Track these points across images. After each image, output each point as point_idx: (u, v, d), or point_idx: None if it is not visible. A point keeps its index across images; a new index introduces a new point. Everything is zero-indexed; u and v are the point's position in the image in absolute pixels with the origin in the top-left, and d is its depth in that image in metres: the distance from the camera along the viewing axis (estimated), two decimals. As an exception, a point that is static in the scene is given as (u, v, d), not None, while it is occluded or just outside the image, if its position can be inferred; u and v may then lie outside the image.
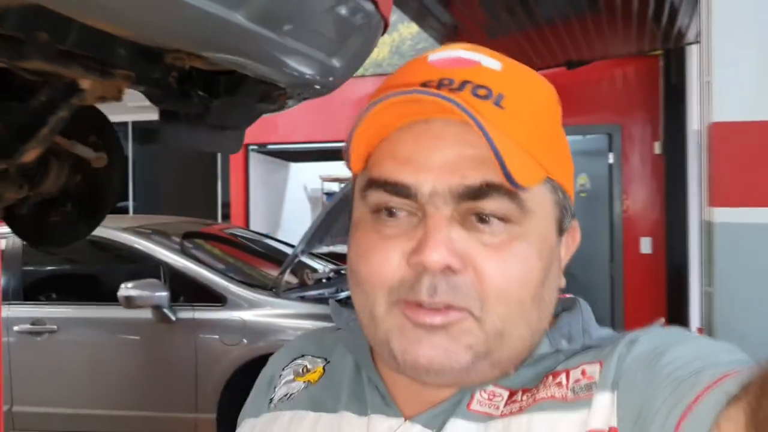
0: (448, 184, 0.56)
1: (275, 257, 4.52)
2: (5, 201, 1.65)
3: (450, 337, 0.57)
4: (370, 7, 1.44)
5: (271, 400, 0.72)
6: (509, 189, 0.56)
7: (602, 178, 6.49)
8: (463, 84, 0.58)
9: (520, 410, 0.58)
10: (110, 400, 3.74)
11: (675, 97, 5.20)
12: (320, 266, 4.51)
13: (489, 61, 0.61)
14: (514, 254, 0.57)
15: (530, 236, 0.59)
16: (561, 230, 0.63)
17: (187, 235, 4.14)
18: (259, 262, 4.50)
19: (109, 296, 3.73)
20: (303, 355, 0.75)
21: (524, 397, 0.60)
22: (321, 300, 3.75)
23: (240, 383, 3.54)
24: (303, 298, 3.73)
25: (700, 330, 2.62)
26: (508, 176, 0.54)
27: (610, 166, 6.04)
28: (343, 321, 0.73)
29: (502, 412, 0.59)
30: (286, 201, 8.03)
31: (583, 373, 0.59)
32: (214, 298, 3.65)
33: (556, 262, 0.63)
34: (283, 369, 0.74)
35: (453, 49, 0.62)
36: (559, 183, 0.62)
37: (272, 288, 3.72)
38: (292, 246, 4.23)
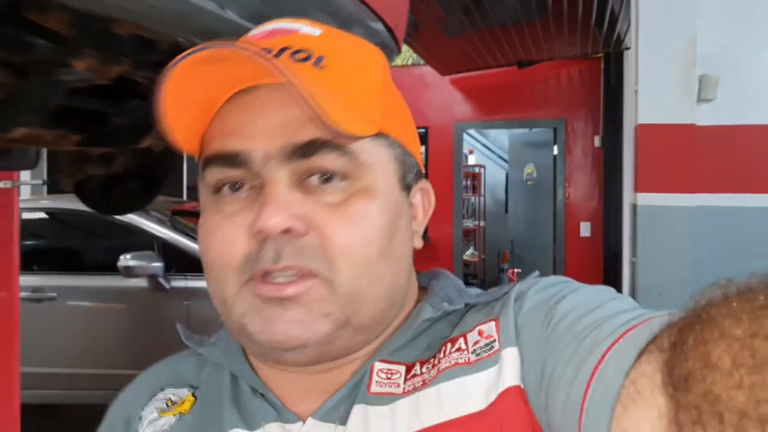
0: (279, 145, 0.55)
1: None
2: (77, 177, 2.05)
3: (304, 309, 0.55)
4: (383, 31, 1.56)
5: None
6: (338, 143, 0.55)
7: (547, 168, 7.05)
8: (282, 51, 0.57)
9: (425, 383, 0.57)
10: (107, 360, 4.12)
11: (613, 96, 5.76)
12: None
13: (308, 28, 0.60)
14: (354, 211, 0.56)
15: (370, 191, 0.57)
16: (406, 186, 0.62)
17: (175, 212, 4.53)
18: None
19: (104, 266, 4.12)
20: (163, 388, 0.68)
21: (424, 369, 0.59)
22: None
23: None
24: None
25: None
26: (329, 125, 0.52)
27: (555, 157, 6.59)
28: (197, 342, 0.69)
29: (404, 389, 0.58)
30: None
31: (480, 333, 0.58)
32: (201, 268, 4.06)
33: (404, 218, 0.61)
34: (143, 408, 0.67)
35: (273, 23, 0.61)
36: (396, 139, 0.61)
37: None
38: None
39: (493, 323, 0.58)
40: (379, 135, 0.58)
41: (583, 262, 6.24)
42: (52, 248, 4.63)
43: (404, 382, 0.58)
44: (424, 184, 0.65)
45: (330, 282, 0.55)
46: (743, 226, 2.85)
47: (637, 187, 2.90)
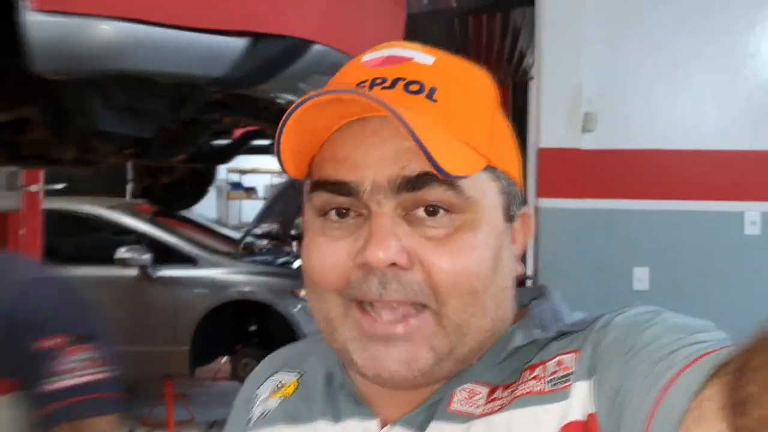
0: (387, 177, 0.56)
1: (207, 228, 5.78)
2: (144, 183, 2.83)
3: (410, 344, 0.56)
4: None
5: (249, 420, 0.71)
6: (447, 178, 0.55)
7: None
8: (395, 81, 0.58)
9: (501, 408, 0.57)
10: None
11: (520, 118, 6.81)
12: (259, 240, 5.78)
13: (421, 56, 0.60)
14: (459, 245, 0.57)
15: (475, 225, 0.57)
16: (510, 217, 0.62)
17: (155, 213, 5.25)
18: (199, 231, 5.69)
19: (97, 259, 4.81)
20: (277, 371, 0.73)
21: (504, 394, 0.59)
22: (266, 263, 5.05)
23: (207, 324, 4.74)
24: (254, 261, 5.01)
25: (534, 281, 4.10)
26: (434, 164, 0.52)
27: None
28: (313, 331, 0.72)
29: (483, 411, 0.58)
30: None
31: (559, 364, 0.58)
32: (187, 259, 4.84)
33: (507, 249, 0.61)
34: (259, 387, 0.73)
35: (387, 48, 0.62)
36: (503, 170, 0.61)
37: (233, 253, 4.98)
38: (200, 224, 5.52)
39: (573, 355, 0.58)
40: (486, 168, 0.59)
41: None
42: (56, 243, 5.26)
43: (484, 404, 0.58)
44: (526, 209, 0.66)
45: (438, 314, 0.56)
46: (615, 223, 3.84)
47: (539, 194, 3.88)
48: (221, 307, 4.74)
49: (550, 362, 0.59)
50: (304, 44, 1.66)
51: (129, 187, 8.94)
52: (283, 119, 0.55)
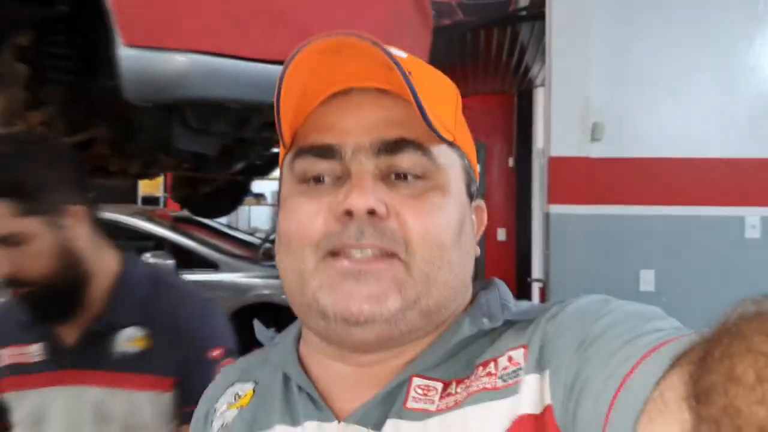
0: (369, 140, 0.60)
1: (222, 232, 5.95)
2: (184, 193, 3.01)
3: (379, 283, 0.58)
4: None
5: None
6: (421, 144, 0.60)
7: (469, 183, 8.23)
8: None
9: (456, 404, 0.58)
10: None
11: (524, 125, 7.01)
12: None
13: (394, 50, 0.62)
14: (430, 203, 0.61)
15: (444, 189, 0.62)
16: (471, 195, 0.67)
17: (176, 219, 5.44)
18: (215, 236, 5.87)
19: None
20: (233, 383, 0.74)
21: (458, 389, 0.60)
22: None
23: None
24: (272, 266, 5.19)
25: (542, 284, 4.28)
26: (426, 119, 0.57)
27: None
28: (267, 338, 0.74)
29: (438, 406, 0.59)
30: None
31: (510, 359, 0.59)
32: (209, 264, 5.02)
33: (469, 222, 0.66)
34: (217, 401, 0.74)
35: None
36: (464, 152, 0.66)
37: (253, 257, 5.17)
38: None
39: (522, 350, 0.59)
40: (452, 144, 0.64)
41: (499, 261, 7.44)
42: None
43: (439, 400, 0.59)
44: (480, 203, 0.69)
45: (407, 263, 0.59)
46: (622, 228, 4.03)
47: (550, 200, 4.07)
48: (242, 309, 4.92)
49: (501, 358, 0.60)
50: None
51: (139, 194, 9.20)
52: (282, 70, 0.58)
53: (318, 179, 0.62)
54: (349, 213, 0.58)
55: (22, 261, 1.20)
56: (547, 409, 0.54)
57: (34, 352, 1.31)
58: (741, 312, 0.38)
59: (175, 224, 5.44)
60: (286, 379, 0.68)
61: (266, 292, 4.94)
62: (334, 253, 0.59)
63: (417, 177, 0.61)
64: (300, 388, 0.65)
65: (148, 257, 4.80)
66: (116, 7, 1.55)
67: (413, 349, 0.62)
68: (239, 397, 0.71)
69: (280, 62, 1.80)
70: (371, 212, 0.58)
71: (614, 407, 0.46)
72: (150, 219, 5.33)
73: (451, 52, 5.44)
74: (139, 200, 9.02)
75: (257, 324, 0.75)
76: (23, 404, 1.29)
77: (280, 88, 0.59)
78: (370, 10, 2.02)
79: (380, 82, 0.60)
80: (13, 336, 1.32)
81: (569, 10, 4.02)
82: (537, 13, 4.48)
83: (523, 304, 0.66)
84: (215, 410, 0.73)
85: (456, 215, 0.62)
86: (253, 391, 0.71)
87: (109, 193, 9.45)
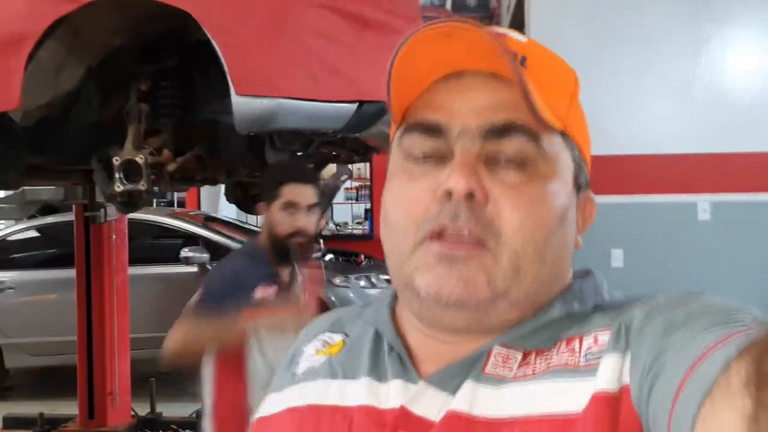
0: (476, 124, 0.59)
1: (246, 228, 6.67)
2: (236, 195, 3.72)
3: (470, 270, 0.58)
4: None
5: (294, 374, 0.73)
6: (530, 129, 0.59)
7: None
8: None
9: (533, 374, 0.58)
10: (167, 323, 5.65)
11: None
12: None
13: (515, 34, 0.63)
14: (532, 193, 0.59)
15: (548, 177, 0.60)
16: (578, 186, 0.64)
17: (207, 218, 6.16)
18: (240, 232, 6.57)
19: (160, 258, 5.70)
20: (324, 331, 0.76)
21: (537, 360, 0.60)
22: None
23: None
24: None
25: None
26: (533, 110, 0.56)
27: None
28: (365, 299, 0.89)
29: (515, 374, 0.59)
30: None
31: (596, 340, 0.58)
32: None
33: (572, 213, 0.63)
34: (305, 345, 0.76)
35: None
36: (577, 143, 0.64)
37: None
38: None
39: (608, 332, 0.58)
40: (564, 134, 0.62)
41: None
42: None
43: (517, 368, 0.59)
44: (590, 195, 0.67)
45: (495, 255, 0.58)
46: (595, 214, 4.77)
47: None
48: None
49: (587, 337, 0.59)
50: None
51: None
52: (394, 53, 0.59)
53: (424, 157, 0.61)
54: (448, 194, 0.58)
55: (315, 222, 2.08)
56: (623, 389, 0.54)
57: (273, 292, 2.12)
58: None
59: (207, 223, 6.16)
60: (378, 337, 0.69)
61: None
62: (431, 236, 0.59)
63: (522, 163, 0.60)
64: (391, 348, 0.66)
65: (186, 251, 5.51)
66: (232, 72, 2.27)
67: (502, 329, 0.62)
68: (328, 344, 0.73)
69: (336, 101, 2.54)
70: (470, 195, 0.58)
71: (682, 391, 0.47)
72: (185, 219, 6.05)
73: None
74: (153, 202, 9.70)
75: (356, 287, 0.94)
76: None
77: (391, 68, 0.59)
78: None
79: (493, 65, 0.59)
80: (261, 278, 2.12)
81: (544, 31, 4.77)
82: (516, 28, 5.21)
83: (617, 294, 0.65)
84: (302, 352, 0.75)
85: (557, 208, 0.61)
86: (343, 342, 0.72)
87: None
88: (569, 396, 0.56)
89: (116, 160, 2.49)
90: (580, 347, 0.59)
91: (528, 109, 0.57)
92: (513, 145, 0.59)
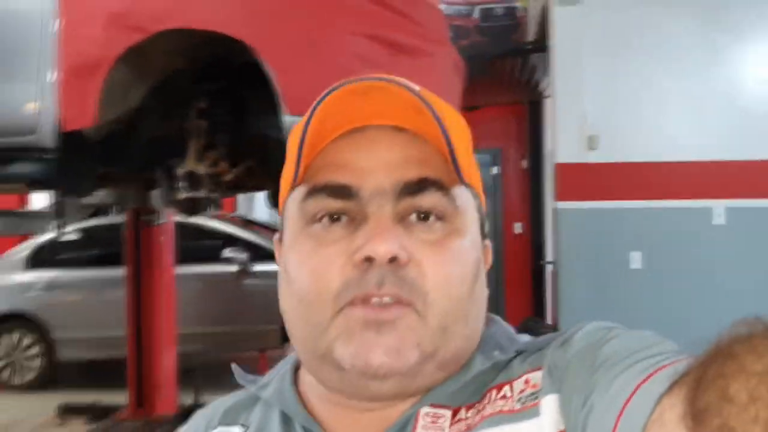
0: (389, 182, 0.57)
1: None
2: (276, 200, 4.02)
3: (398, 335, 0.56)
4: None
5: None
6: (443, 185, 0.58)
7: (489, 184, 9.18)
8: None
9: (468, 429, 0.57)
10: (209, 319, 6.05)
11: (535, 131, 7.98)
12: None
13: (409, 83, 0.60)
14: (451, 249, 0.58)
15: (462, 232, 0.59)
16: (483, 235, 0.64)
17: (245, 221, 6.49)
18: (273, 233, 6.87)
19: (202, 258, 6.06)
20: (214, 428, 0.68)
21: (469, 414, 0.58)
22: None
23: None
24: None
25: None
26: (455, 164, 0.56)
27: (494, 176, 8.64)
28: (250, 381, 0.70)
29: None
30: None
31: (527, 382, 0.58)
32: (274, 256, 6.04)
33: (482, 264, 0.63)
34: None
35: (374, 77, 0.59)
36: (477, 193, 0.64)
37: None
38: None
39: (539, 372, 0.58)
40: (468, 185, 0.62)
41: (517, 251, 8.37)
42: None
43: (449, 427, 0.58)
44: (487, 242, 0.67)
45: (422, 315, 0.56)
46: (615, 218, 4.98)
47: (557, 198, 5.07)
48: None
49: (517, 381, 0.59)
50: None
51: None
52: (310, 110, 0.56)
53: (330, 218, 0.58)
54: (368, 259, 0.55)
55: None
56: None
57: None
58: (734, 334, 0.39)
59: (246, 224, 6.50)
60: (286, 419, 0.64)
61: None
62: (354, 302, 0.56)
63: (437, 218, 0.59)
64: (305, 429, 0.62)
65: (227, 252, 5.86)
66: (284, 94, 2.57)
67: (427, 391, 0.60)
68: None
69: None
70: (392, 259, 0.55)
71: (617, 429, 0.47)
72: (224, 221, 6.39)
73: (473, 70, 6.40)
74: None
75: (236, 368, 0.71)
76: None
77: (306, 126, 0.56)
78: (426, 78, 3.00)
79: (399, 120, 0.58)
80: None
81: (568, 43, 5.02)
82: (541, 46, 5.48)
83: (525, 337, 0.65)
84: None
85: (473, 261, 0.61)
86: None
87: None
88: None
89: (180, 171, 2.80)
90: (512, 391, 0.58)
91: (439, 162, 0.58)
92: (428, 201, 0.58)
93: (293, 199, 0.62)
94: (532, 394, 0.57)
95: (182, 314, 5.29)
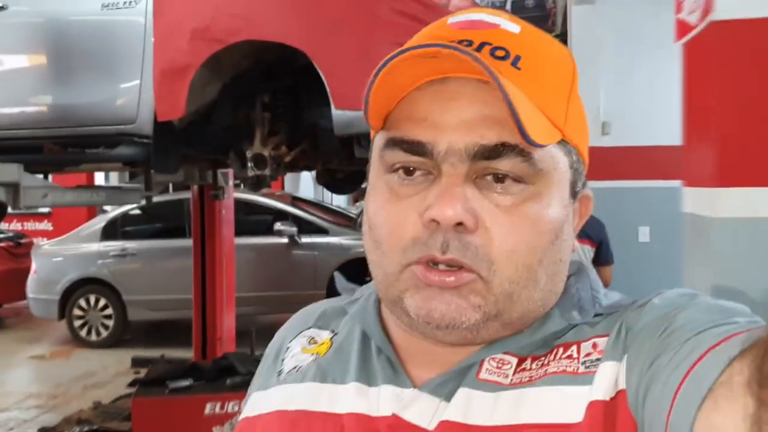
0: (464, 143, 0.55)
1: (326, 206, 7.66)
2: (325, 178, 4.69)
3: (460, 297, 0.56)
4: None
5: (280, 372, 0.71)
6: (523, 149, 0.55)
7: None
8: (482, 45, 0.57)
9: (531, 380, 0.57)
10: (262, 285, 6.78)
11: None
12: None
13: (508, 24, 0.59)
14: (524, 216, 0.56)
15: (542, 197, 0.57)
16: (575, 193, 0.62)
17: (294, 198, 7.20)
18: (321, 210, 7.60)
19: (254, 231, 6.79)
20: (309, 327, 0.74)
21: (533, 366, 0.59)
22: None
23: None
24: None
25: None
26: (523, 134, 0.52)
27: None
28: (349, 291, 0.74)
29: (511, 380, 0.58)
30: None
31: (594, 346, 0.58)
32: (322, 230, 6.79)
33: (569, 224, 0.61)
34: (291, 341, 0.74)
35: (473, 12, 0.60)
36: (574, 146, 0.61)
37: (351, 225, 6.92)
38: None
39: (606, 338, 0.58)
40: (560, 142, 0.58)
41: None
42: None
43: (513, 374, 0.58)
44: (588, 192, 0.65)
45: (487, 282, 0.56)
46: (626, 196, 5.46)
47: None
48: (346, 262, 6.65)
49: (585, 343, 0.59)
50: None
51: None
52: (376, 70, 0.55)
53: (408, 170, 0.58)
54: (435, 221, 0.55)
55: None
56: (619, 394, 0.54)
57: None
58: None
59: (294, 201, 7.22)
60: (365, 337, 0.67)
61: (363, 249, 6.57)
62: (419, 261, 0.57)
63: (515, 181, 0.57)
64: (380, 350, 0.65)
65: (279, 225, 6.58)
66: (332, 92, 3.21)
67: (496, 341, 0.61)
68: (315, 342, 0.71)
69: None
70: (458, 224, 0.55)
71: (679, 393, 0.47)
72: (274, 197, 7.13)
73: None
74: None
75: (338, 275, 0.75)
76: None
77: (373, 81, 0.56)
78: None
79: (481, 74, 0.54)
80: None
81: (584, 38, 5.54)
82: (565, 39, 6.00)
83: (613, 295, 0.64)
84: (288, 349, 0.73)
85: (552, 226, 0.58)
86: (331, 341, 0.70)
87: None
88: (567, 404, 0.55)
89: (249, 153, 3.48)
90: (578, 353, 0.58)
91: (518, 134, 0.53)
92: (505, 165, 0.56)
93: (376, 145, 0.63)
94: (597, 358, 0.57)
95: (239, 280, 5.84)
